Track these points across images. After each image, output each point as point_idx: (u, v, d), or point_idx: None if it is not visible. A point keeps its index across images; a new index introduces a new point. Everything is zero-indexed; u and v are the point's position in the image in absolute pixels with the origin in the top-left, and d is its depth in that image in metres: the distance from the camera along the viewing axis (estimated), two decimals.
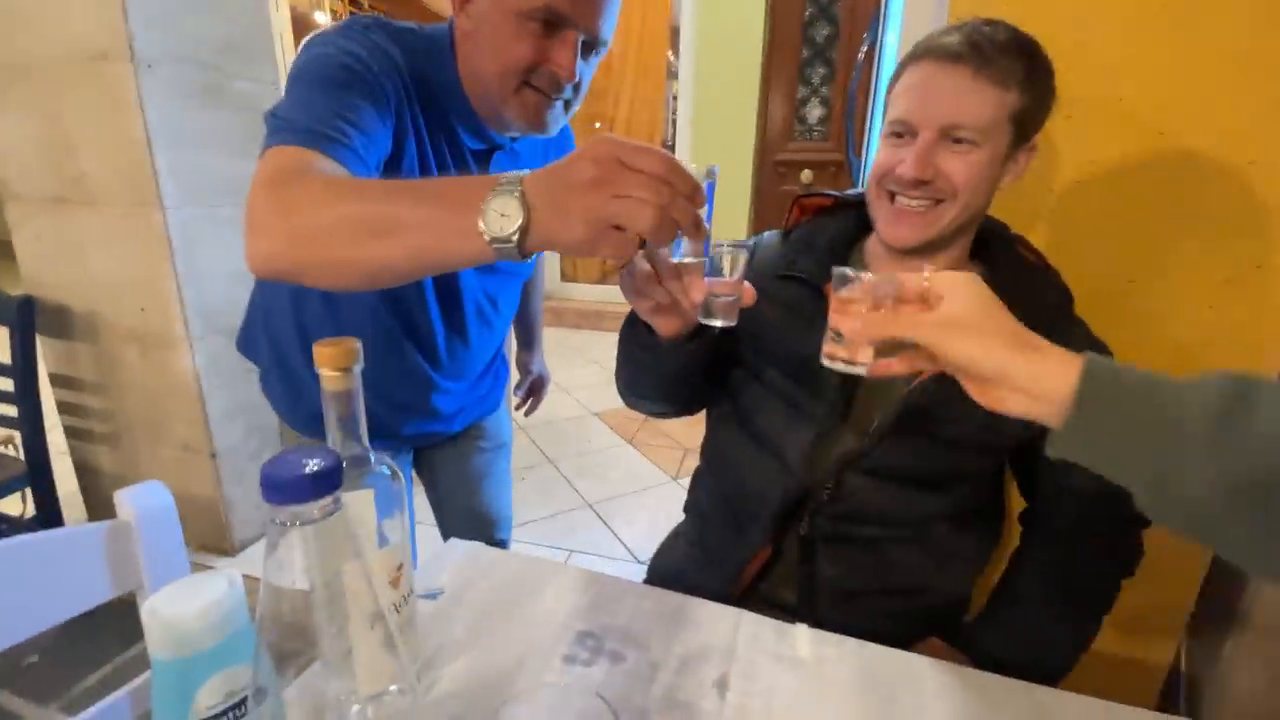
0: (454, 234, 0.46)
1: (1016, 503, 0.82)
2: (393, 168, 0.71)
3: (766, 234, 0.86)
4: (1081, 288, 0.72)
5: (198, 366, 1.52)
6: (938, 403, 0.68)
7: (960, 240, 0.72)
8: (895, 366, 0.49)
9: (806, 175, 3.58)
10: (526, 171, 0.45)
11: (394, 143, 0.70)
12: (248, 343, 0.93)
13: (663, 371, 0.71)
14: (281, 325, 0.85)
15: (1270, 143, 0.81)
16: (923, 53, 0.67)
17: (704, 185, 0.45)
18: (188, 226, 1.45)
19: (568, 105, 0.75)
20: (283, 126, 0.60)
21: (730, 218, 3.63)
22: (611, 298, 4.07)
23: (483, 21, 0.70)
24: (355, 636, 0.40)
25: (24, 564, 0.55)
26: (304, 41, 0.73)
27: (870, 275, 0.47)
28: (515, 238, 0.44)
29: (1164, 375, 0.40)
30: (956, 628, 0.79)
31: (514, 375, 1.17)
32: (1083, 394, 0.40)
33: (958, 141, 0.65)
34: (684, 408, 0.83)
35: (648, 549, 1.85)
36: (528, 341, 1.20)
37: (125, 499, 0.59)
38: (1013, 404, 0.43)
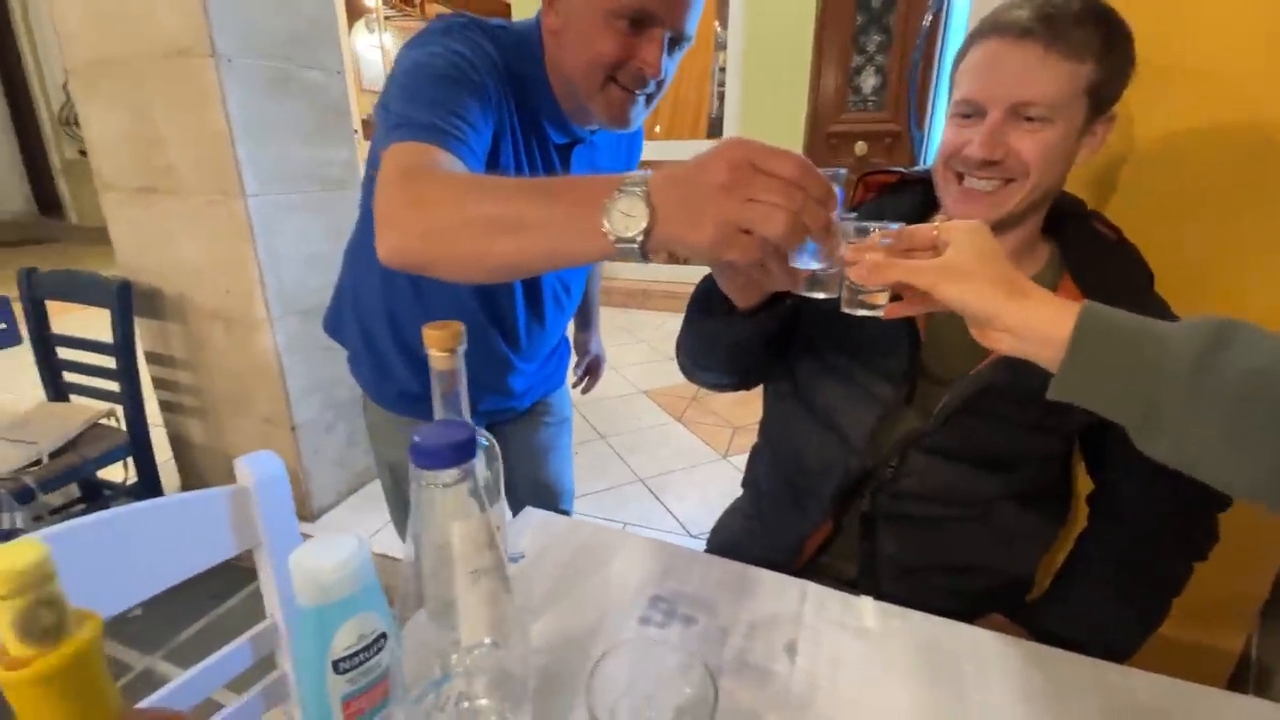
0: (580, 234, 0.47)
1: (1085, 484, 0.82)
2: (491, 164, 0.73)
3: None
4: (1161, 263, 0.71)
5: (278, 345, 1.62)
6: (1004, 385, 0.68)
7: (1032, 218, 0.71)
8: (903, 309, 0.53)
9: (861, 147, 3.48)
10: (651, 173, 0.46)
11: (492, 139, 0.73)
12: (335, 325, 0.99)
13: (732, 341, 0.73)
14: (371, 309, 0.90)
15: None
16: (989, 29, 0.65)
17: (836, 190, 0.45)
18: (266, 213, 1.54)
19: (649, 100, 0.77)
20: (402, 122, 0.62)
21: None
22: (658, 276, 4.08)
23: (571, 19, 0.72)
24: (460, 591, 0.44)
25: (161, 524, 0.62)
26: (407, 41, 0.76)
27: (879, 226, 0.51)
28: (640, 239, 0.44)
29: (1156, 320, 0.43)
30: (1019, 606, 0.80)
31: (572, 355, 1.21)
32: (1078, 336, 0.43)
33: (1029, 120, 0.63)
34: (743, 380, 0.84)
35: (699, 523, 1.89)
36: (586, 322, 1.24)
37: (244, 466, 0.65)
38: (1005, 344, 0.48)
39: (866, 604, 0.65)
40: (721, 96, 3.73)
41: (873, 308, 0.53)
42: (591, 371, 1.27)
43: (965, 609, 0.74)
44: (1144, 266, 0.71)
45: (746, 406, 2.60)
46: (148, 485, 1.65)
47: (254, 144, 1.49)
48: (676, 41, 0.73)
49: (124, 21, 1.46)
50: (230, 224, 1.52)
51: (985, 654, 0.59)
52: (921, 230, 0.51)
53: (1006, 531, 0.76)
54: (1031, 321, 0.45)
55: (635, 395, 2.81)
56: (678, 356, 0.83)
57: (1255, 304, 0.85)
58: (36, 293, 1.59)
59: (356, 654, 0.42)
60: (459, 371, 0.48)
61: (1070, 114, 0.63)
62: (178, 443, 1.90)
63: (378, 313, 0.89)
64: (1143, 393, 0.42)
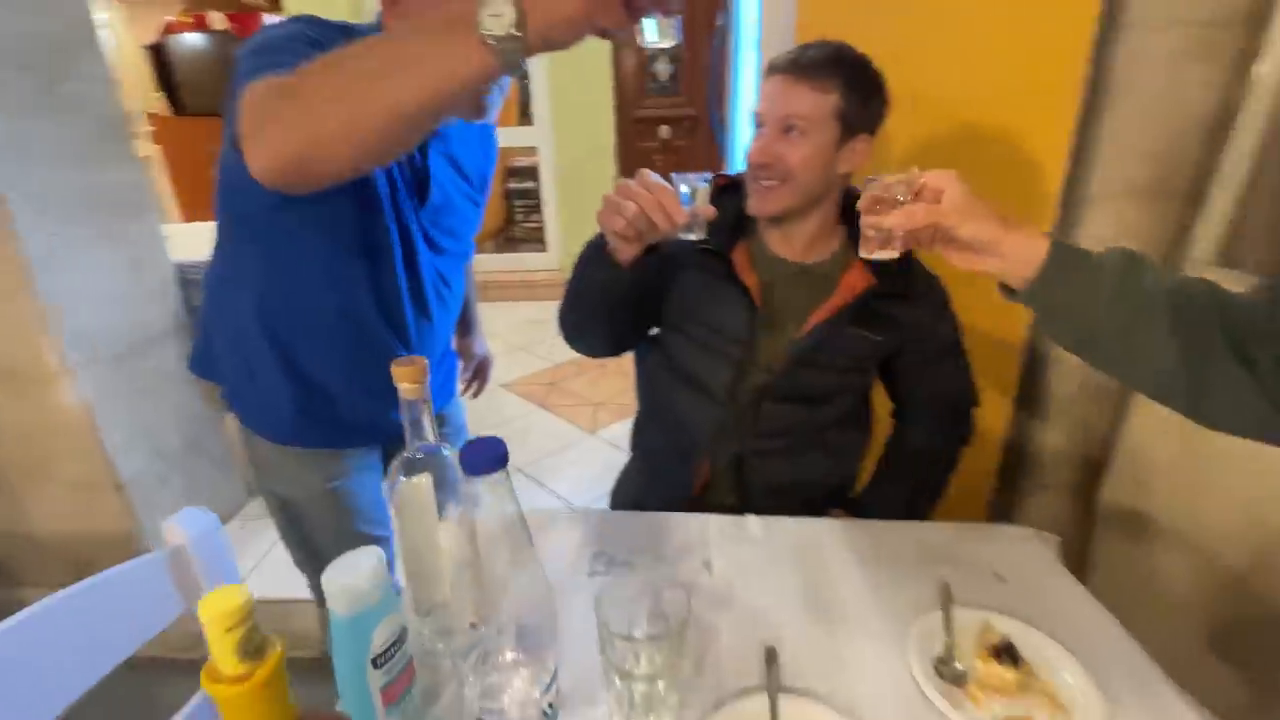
0: (459, 53, 0.48)
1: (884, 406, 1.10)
2: None
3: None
4: None
5: (85, 397, 1.42)
6: (821, 342, 0.91)
7: (819, 209, 0.91)
8: (899, 247, 0.62)
9: (664, 131, 3.77)
10: None
11: None
12: (206, 362, 0.94)
13: (613, 298, 0.86)
14: (247, 335, 0.86)
15: (1036, 135, 1.11)
16: (768, 69, 0.87)
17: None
18: (45, 250, 1.33)
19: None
20: (255, 68, 0.60)
21: (598, 176, 3.74)
22: (503, 266, 4.06)
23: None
24: (507, 569, 0.52)
25: (97, 601, 0.60)
26: (254, 33, 0.76)
27: (881, 178, 0.60)
28: (517, 31, 0.46)
29: (1093, 251, 0.58)
30: (849, 500, 1.06)
31: (460, 362, 1.25)
32: (1049, 261, 0.56)
33: (789, 130, 0.84)
34: (616, 346, 0.99)
35: (582, 497, 2.03)
36: (467, 327, 1.27)
37: (175, 525, 0.65)
38: (993, 266, 0.58)
39: (751, 521, 0.84)
40: (526, 88, 3.75)
41: (889, 250, 0.61)
42: (480, 374, 1.31)
43: (814, 510, 0.97)
44: None
45: (602, 385, 2.77)
46: None
47: (15, 170, 1.28)
48: None
49: None
50: (3, 267, 1.29)
51: (835, 537, 0.82)
52: (912, 178, 0.60)
53: (835, 450, 1.01)
54: (1019, 249, 0.56)
55: (495, 390, 2.82)
56: (562, 326, 0.94)
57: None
58: None
59: (389, 649, 0.49)
60: (427, 400, 0.55)
61: (823, 131, 0.84)
62: None
63: (259, 342, 0.86)
64: (1083, 303, 0.55)
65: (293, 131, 0.53)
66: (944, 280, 0.96)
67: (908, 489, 1.03)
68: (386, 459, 1.10)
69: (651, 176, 0.70)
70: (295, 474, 0.95)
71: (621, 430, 2.31)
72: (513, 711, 0.47)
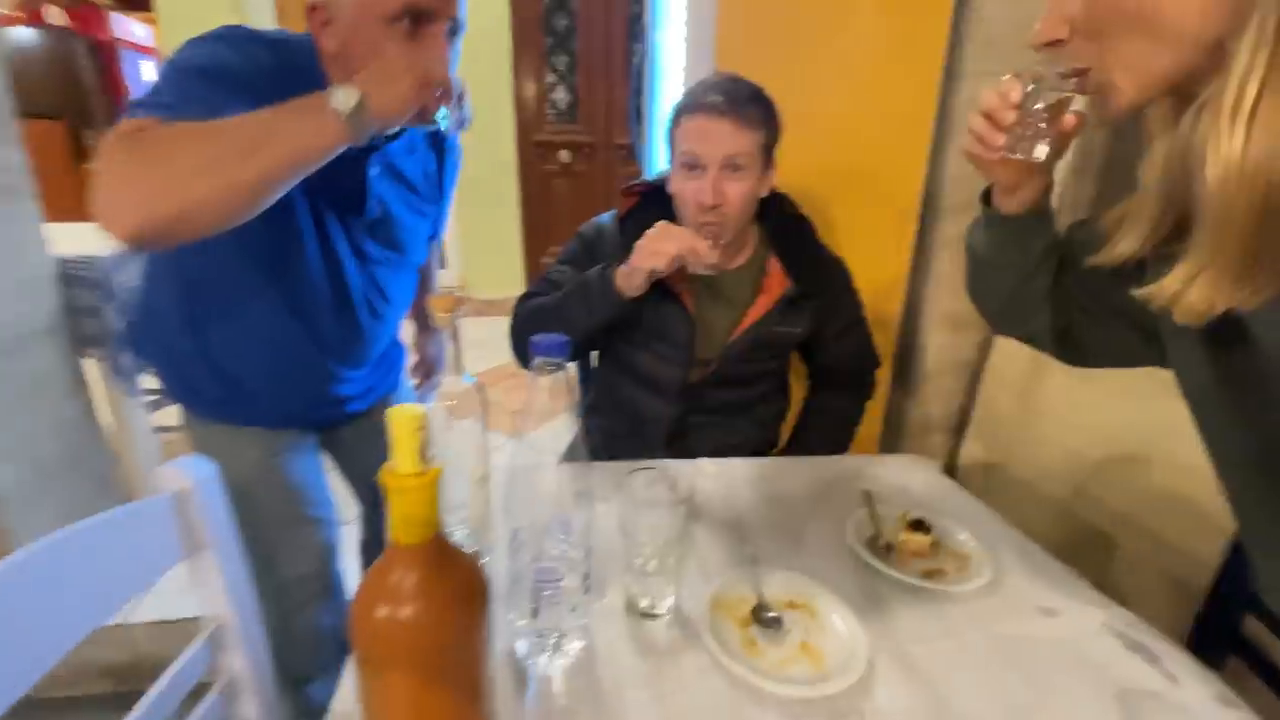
0: (314, 126, 0.61)
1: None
2: None
3: (605, 219, 1.14)
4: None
5: None
6: (751, 341, 1.08)
7: (746, 230, 1.09)
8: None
9: (565, 155, 3.93)
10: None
11: None
12: (171, 388, 0.96)
13: (606, 324, 1.02)
14: (173, 334, 0.90)
15: (894, 150, 1.38)
16: (695, 107, 0.95)
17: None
18: None
19: (449, 94, 0.79)
20: (142, 102, 0.64)
21: (499, 196, 3.81)
22: None
23: (349, 36, 0.74)
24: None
25: (101, 541, 0.60)
26: (181, 44, 0.74)
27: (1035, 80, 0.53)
28: (359, 109, 0.62)
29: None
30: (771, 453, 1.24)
31: (411, 354, 1.28)
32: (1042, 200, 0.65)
33: (735, 169, 0.95)
34: (574, 356, 1.13)
35: None
36: (425, 324, 1.29)
37: (176, 471, 0.65)
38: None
39: (707, 464, 0.98)
40: None
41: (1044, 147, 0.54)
42: (427, 368, 1.31)
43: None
44: (814, 231, 1.16)
45: (517, 392, 2.81)
46: None
47: None
48: (454, 30, 0.77)
49: None
50: None
51: (774, 469, 0.98)
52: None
53: (761, 418, 1.19)
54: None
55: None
56: (518, 346, 1.06)
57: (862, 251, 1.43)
58: None
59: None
60: (455, 330, 0.64)
61: (755, 165, 0.97)
62: None
63: (178, 332, 0.90)
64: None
65: (158, 200, 0.57)
66: (845, 261, 1.17)
67: (822, 445, 1.22)
68: (329, 440, 1.11)
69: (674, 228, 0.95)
70: (231, 448, 0.93)
71: (545, 435, 2.36)
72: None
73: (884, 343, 1.54)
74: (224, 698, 0.69)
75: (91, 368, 1.67)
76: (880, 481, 0.94)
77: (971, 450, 1.54)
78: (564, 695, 0.55)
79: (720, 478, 0.95)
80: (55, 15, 4.85)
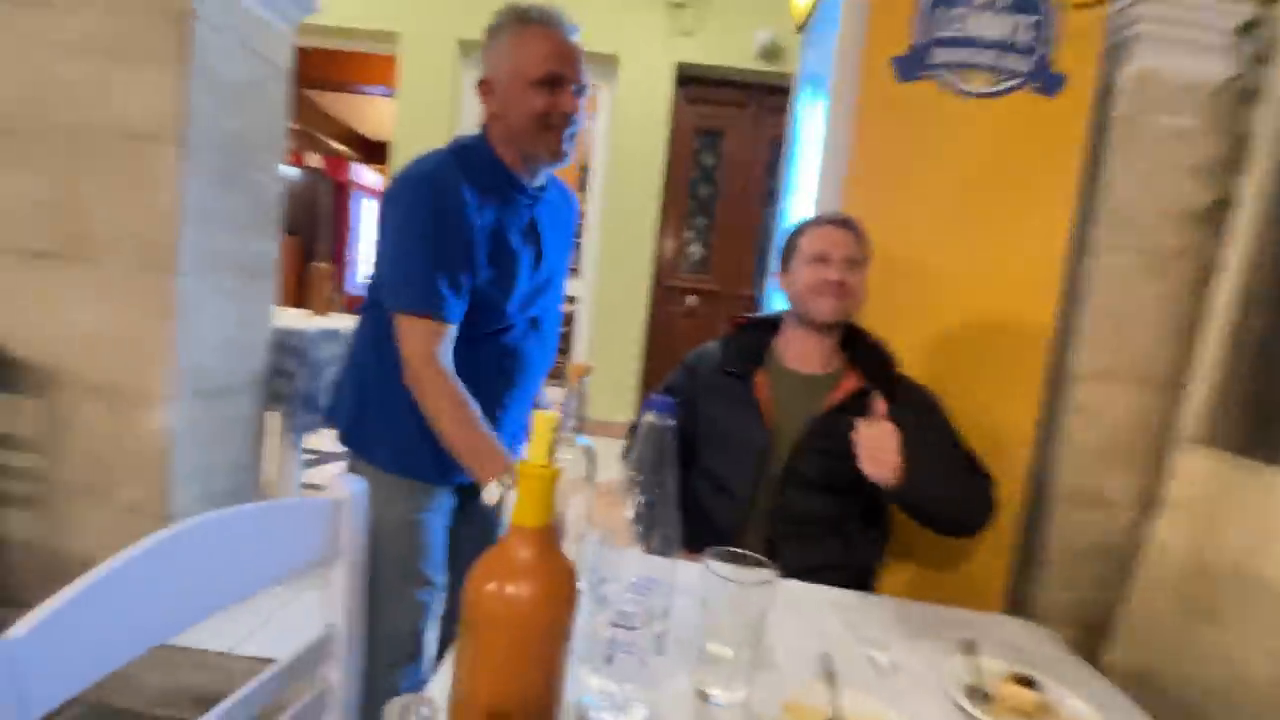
0: (472, 470, 0.95)
1: None
2: (496, 246, 1.04)
3: (710, 344, 1.28)
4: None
5: (170, 425, 1.55)
6: (825, 429, 1.11)
7: (841, 329, 1.18)
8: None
9: (692, 300, 4.24)
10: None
11: (488, 233, 1.02)
12: (360, 440, 1.12)
13: None
14: (389, 385, 1.04)
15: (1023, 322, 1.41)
16: (821, 221, 1.20)
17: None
18: (191, 292, 1.56)
19: (572, 137, 1.05)
20: (407, 284, 0.98)
21: (628, 327, 4.14)
22: None
23: (506, 98, 1.01)
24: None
25: (263, 523, 0.71)
26: (389, 191, 1.03)
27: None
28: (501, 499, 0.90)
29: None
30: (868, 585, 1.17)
31: None
32: None
33: (853, 265, 1.13)
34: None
35: None
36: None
37: (339, 483, 0.77)
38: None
39: (794, 584, 0.96)
40: (578, 245, 4.32)
41: None
42: None
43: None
44: (891, 357, 1.20)
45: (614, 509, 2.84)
46: None
47: (197, 227, 1.55)
48: (580, 91, 1.03)
49: (61, 89, 1.50)
50: (152, 298, 1.51)
51: (864, 603, 0.93)
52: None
53: (855, 541, 1.15)
54: None
55: None
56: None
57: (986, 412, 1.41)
58: None
59: None
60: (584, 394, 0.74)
61: (864, 270, 1.15)
62: None
63: (394, 382, 1.03)
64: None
65: (418, 394, 0.99)
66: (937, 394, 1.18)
67: (932, 478, 1.05)
68: (456, 506, 1.21)
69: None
70: (389, 497, 1.05)
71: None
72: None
73: (1005, 517, 1.45)
74: (311, 708, 0.74)
75: (272, 421, 1.97)
76: (989, 637, 0.86)
77: (1114, 653, 1.34)
78: None
79: (806, 598, 0.92)
80: (313, 160, 6.31)
